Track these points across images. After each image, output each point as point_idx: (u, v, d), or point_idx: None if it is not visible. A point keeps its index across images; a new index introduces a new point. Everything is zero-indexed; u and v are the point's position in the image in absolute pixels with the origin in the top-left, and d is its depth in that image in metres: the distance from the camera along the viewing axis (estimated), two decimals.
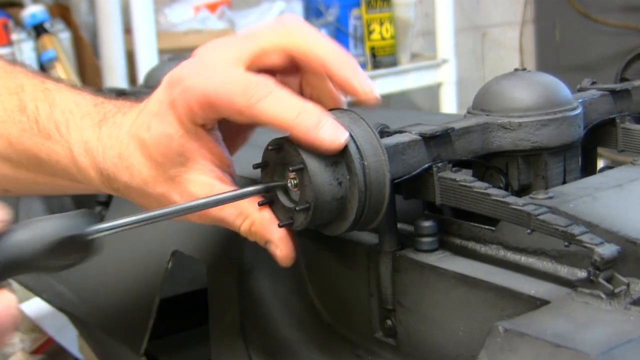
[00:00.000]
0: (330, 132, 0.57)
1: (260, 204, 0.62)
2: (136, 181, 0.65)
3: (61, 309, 1.06)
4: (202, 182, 0.63)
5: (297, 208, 0.58)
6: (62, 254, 0.53)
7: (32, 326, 1.42)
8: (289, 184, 0.60)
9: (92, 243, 0.54)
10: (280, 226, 0.61)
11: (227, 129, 0.66)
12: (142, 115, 0.64)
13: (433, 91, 2.45)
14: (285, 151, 0.60)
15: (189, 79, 0.61)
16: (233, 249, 0.77)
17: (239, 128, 0.68)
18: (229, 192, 0.60)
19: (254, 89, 0.58)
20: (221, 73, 0.60)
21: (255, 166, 0.63)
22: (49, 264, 0.53)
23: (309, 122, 0.57)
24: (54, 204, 1.26)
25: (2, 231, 0.52)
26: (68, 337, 1.36)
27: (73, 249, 0.53)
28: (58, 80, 0.76)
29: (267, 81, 0.59)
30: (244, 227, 0.64)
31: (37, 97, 0.72)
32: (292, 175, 0.59)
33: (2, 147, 0.73)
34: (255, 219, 0.63)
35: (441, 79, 2.37)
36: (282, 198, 0.61)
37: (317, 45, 0.62)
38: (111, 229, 0.55)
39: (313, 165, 0.58)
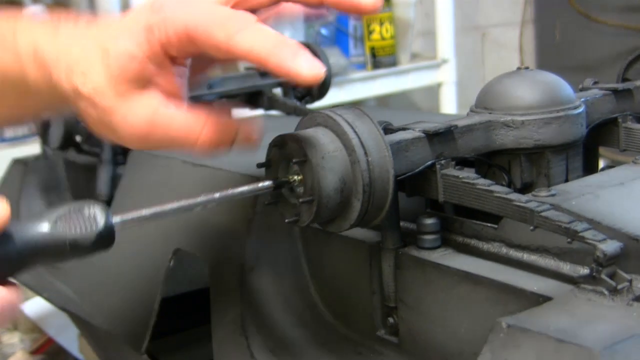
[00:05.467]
0: (307, 64, 0.57)
1: (267, 204, 0.63)
2: (87, 88, 0.64)
3: (62, 308, 1.06)
4: (151, 106, 0.63)
5: (301, 200, 0.58)
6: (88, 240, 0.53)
7: (32, 326, 1.42)
8: (294, 181, 0.60)
9: (113, 231, 0.54)
10: (285, 223, 0.61)
11: (194, 65, 0.66)
12: (114, 27, 0.64)
13: (433, 91, 2.45)
14: (287, 147, 0.60)
15: (171, 9, 0.61)
16: (235, 247, 0.77)
17: (205, 65, 0.68)
18: (239, 189, 0.61)
19: (232, 22, 0.58)
20: (202, 6, 0.60)
21: (259, 165, 0.63)
22: (70, 248, 0.53)
23: (284, 54, 0.57)
24: (55, 204, 1.26)
25: (4, 225, 0.52)
26: (68, 337, 1.36)
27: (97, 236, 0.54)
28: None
29: (246, 16, 0.59)
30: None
31: None
32: (296, 170, 0.60)
33: None
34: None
35: (441, 79, 2.38)
36: (288, 195, 0.61)
37: None
38: (134, 219, 0.56)
39: (316, 157, 0.58)
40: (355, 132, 0.58)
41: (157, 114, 0.63)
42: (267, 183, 0.61)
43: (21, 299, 0.53)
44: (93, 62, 0.63)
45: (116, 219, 0.55)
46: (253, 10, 0.63)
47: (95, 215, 0.54)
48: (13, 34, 0.68)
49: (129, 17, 0.64)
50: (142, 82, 0.63)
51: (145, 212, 0.57)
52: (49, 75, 0.66)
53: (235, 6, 0.62)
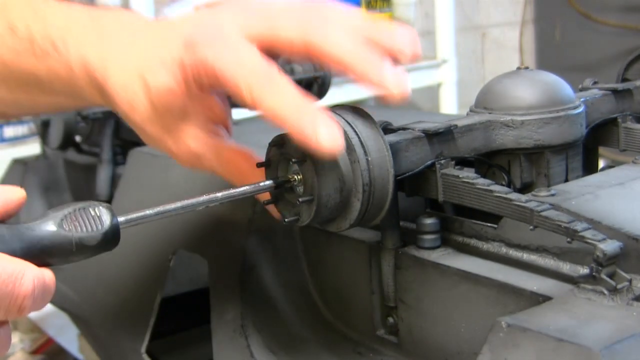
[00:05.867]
0: (326, 135, 0.56)
1: (266, 203, 0.63)
2: (135, 116, 0.66)
3: (62, 307, 1.06)
4: (197, 136, 0.65)
5: (300, 200, 0.59)
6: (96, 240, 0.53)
7: (32, 326, 1.42)
8: (294, 180, 0.60)
9: (118, 231, 0.54)
10: (285, 222, 0.61)
11: None
12: (152, 57, 0.64)
13: (433, 91, 2.45)
14: (287, 146, 0.60)
15: (204, 49, 0.61)
16: (235, 247, 0.77)
17: None
18: (241, 188, 0.61)
19: (257, 79, 0.58)
20: (234, 55, 0.60)
21: (259, 165, 0.63)
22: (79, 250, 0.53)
23: (305, 122, 0.57)
24: (55, 204, 1.26)
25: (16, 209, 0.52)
26: (68, 337, 1.36)
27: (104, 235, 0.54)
28: None
29: (271, 73, 0.59)
30: (235, 182, 0.66)
31: (26, 16, 0.71)
32: (295, 169, 0.60)
33: None
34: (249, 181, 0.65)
35: (441, 79, 2.37)
36: (288, 195, 0.61)
37: (336, 46, 0.59)
38: (138, 219, 0.56)
39: (315, 156, 0.58)
40: (355, 131, 0.58)
41: (205, 146, 0.65)
42: (269, 182, 0.61)
43: (53, 281, 0.53)
44: (137, 92, 0.65)
45: (121, 219, 0.55)
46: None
47: (101, 215, 0.54)
48: (63, 42, 0.69)
49: (165, 47, 0.64)
50: (185, 115, 0.64)
51: (149, 211, 0.57)
52: (101, 92, 0.67)
53: (261, 45, 0.62)
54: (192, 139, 0.65)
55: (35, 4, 0.72)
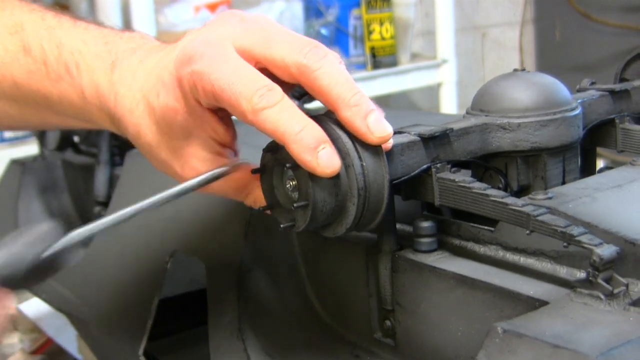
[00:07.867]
0: (325, 158, 0.56)
1: (263, 209, 0.63)
2: (142, 140, 0.66)
3: (60, 309, 1.06)
4: (203, 157, 0.65)
5: (295, 205, 0.58)
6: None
7: (31, 326, 1.42)
8: (288, 186, 0.60)
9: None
10: (281, 229, 0.61)
11: None
12: (154, 77, 0.64)
13: (433, 91, 2.45)
14: (281, 151, 0.60)
15: (200, 62, 0.60)
16: (232, 249, 0.77)
17: None
18: (196, 178, 0.62)
19: (260, 96, 0.57)
20: (232, 68, 0.59)
21: (254, 171, 0.63)
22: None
23: (306, 143, 0.56)
24: (53, 205, 1.26)
25: None
26: (67, 337, 1.36)
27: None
28: (57, 12, 0.75)
29: (275, 90, 0.58)
30: (248, 201, 0.66)
31: (41, 36, 0.71)
32: (290, 175, 0.59)
33: (7, 88, 0.73)
34: (258, 195, 0.65)
35: (441, 79, 2.37)
36: (283, 201, 0.61)
37: (330, 85, 0.59)
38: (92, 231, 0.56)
39: None
40: (348, 135, 0.58)
41: (210, 165, 0.64)
42: (224, 168, 0.62)
43: (12, 301, 0.53)
44: (142, 114, 0.65)
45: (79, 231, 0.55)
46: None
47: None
48: (77, 67, 0.69)
49: (164, 66, 0.64)
50: (189, 135, 0.64)
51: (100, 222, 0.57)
52: (111, 117, 0.68)
53: (258, 65, 0.61)
54: (197, 160, 0.64)
55: (50, 25, 0.72)
